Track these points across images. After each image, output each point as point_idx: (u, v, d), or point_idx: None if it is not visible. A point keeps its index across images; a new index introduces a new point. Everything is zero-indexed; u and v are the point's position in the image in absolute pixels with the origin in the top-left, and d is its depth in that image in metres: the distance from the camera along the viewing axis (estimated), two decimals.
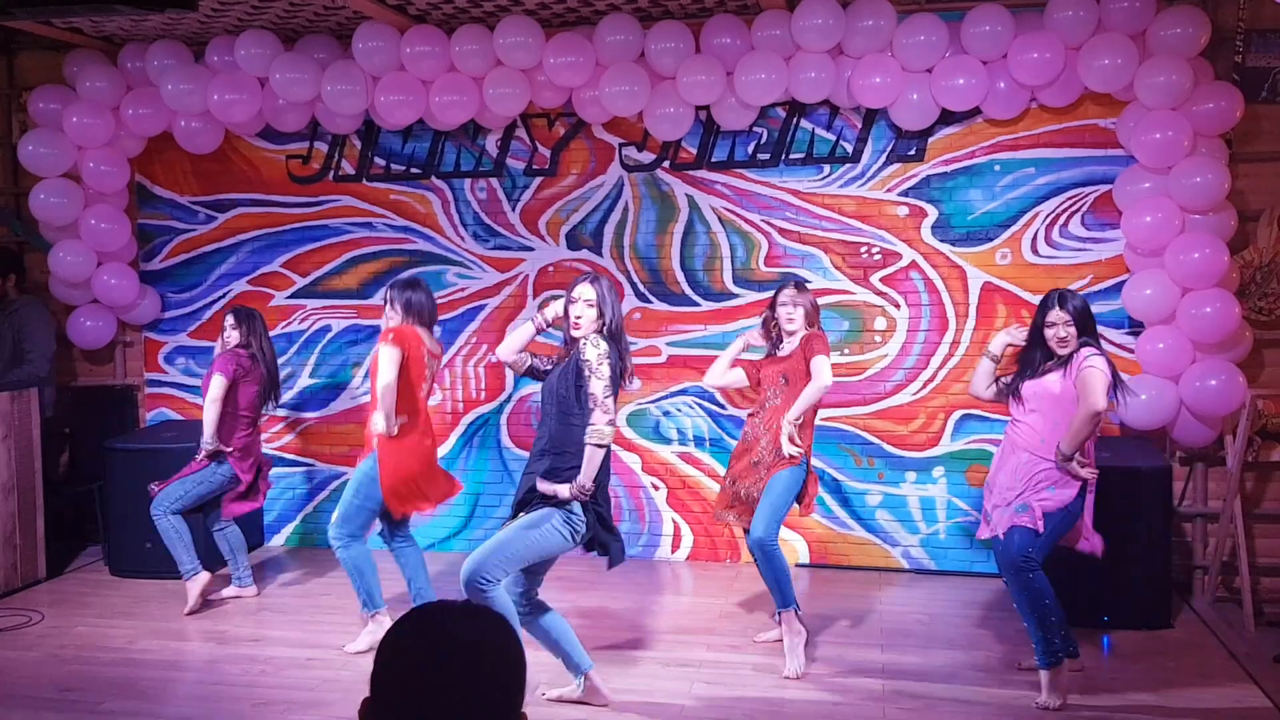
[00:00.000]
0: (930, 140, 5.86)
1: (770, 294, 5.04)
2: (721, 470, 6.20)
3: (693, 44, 5.78)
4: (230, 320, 5.57)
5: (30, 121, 6.53)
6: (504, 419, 6.44)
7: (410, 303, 4.94)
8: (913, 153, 5.89)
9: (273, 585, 5.91)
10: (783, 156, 6.03)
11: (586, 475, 4.02)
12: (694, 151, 6.12)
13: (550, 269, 6.33)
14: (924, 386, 5.96)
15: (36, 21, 5.87)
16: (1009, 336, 4.62)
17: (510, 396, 6.44)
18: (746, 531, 4.81)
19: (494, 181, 6.38)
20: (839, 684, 4.47)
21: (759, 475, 4.75)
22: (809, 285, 5.14)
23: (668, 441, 6.29)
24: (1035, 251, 5.79)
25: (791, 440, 4.65)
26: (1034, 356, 4.45)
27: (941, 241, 5.91)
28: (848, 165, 5.97)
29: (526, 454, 6.27)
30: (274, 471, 6.11)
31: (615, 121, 6.13)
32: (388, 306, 4.97)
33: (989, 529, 4.45)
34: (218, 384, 5.39)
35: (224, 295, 6.70)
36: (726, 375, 5.03)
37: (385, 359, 4.79)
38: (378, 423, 4.76)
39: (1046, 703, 4.23)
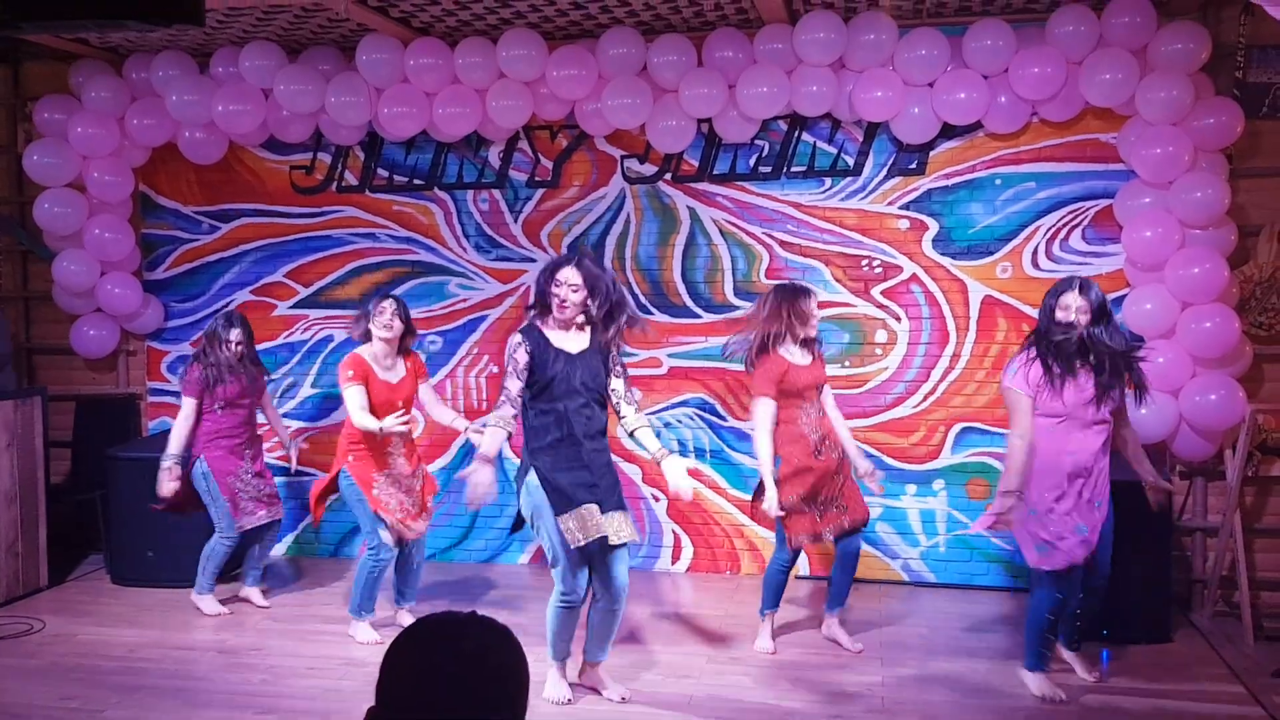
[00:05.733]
0: (931, 154, 5.88)
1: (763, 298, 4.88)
2: (723, 482, 6.22)
3: (695, 57, 5.81)
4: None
5: (35, 131, 6.56)
6: None
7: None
8: (914, 166, 5.91)
9: (273, 595, 5.91)
10: (784, 169, 6.05)
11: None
12: (696, 164, 6.15)
13: None
14: (924, 399, 5.97)
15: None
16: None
17: None
18: (838, 540, 4.83)
19: (496, 193, 6.40)
20: (838, 696, 4.47)
21: (836, 474, 4.78)
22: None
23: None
24: (1036, 265, 5.81)
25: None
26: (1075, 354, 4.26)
27: (942, 255, 5.92)
28: (849, 178, 5.99)
29: None
30: (277, 480, 6.06)
31: (617, 134, 6.15)
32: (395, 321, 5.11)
33: (1066, 554, 4.27)
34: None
35: (227, 305, 6.71)
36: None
37: None
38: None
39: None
